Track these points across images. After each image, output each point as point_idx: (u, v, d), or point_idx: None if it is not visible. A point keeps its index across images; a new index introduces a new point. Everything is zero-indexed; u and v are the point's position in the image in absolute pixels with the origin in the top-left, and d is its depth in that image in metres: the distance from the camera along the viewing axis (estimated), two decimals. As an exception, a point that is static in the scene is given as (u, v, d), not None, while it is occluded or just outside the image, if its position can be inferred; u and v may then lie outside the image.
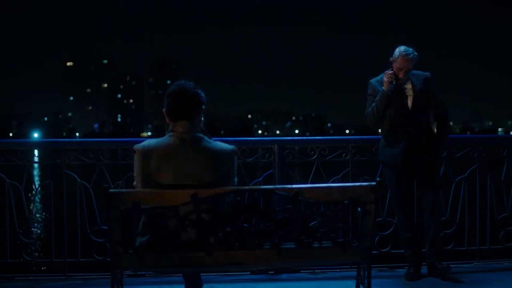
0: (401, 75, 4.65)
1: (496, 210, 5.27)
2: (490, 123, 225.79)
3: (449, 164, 5.15)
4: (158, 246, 3.09)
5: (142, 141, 3.33)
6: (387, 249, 5.15)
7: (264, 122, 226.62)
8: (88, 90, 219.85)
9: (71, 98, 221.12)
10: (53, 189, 5.05)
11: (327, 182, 4.84)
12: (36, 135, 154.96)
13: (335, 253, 3.19)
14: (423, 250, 4.83)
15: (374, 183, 3.17)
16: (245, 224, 3.11)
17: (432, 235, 4.73)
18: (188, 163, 3.19)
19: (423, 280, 4.69)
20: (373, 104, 4.73)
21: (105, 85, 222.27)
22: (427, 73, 4.78)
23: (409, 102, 4.69)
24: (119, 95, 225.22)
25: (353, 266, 4.60)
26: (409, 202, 4.84)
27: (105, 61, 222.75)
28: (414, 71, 4.74)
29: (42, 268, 5.51)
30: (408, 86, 4.71)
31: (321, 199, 3.14)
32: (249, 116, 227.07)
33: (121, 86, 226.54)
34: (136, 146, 3.27)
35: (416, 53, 4.66)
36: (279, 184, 4.86)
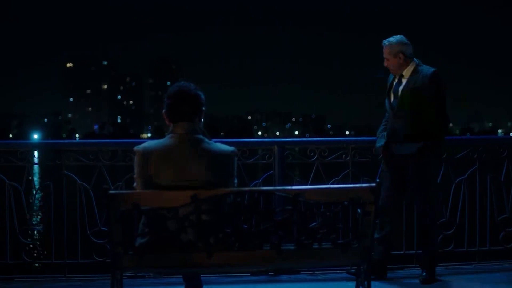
0: (385, 64, 4.72)
1: (496, 211, 5.27)
2: (490, 124, 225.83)
3: (449, 165, 5.15)
4: (158, 247, 3.09)
5: (142, 142, 3.33)
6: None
7: (264, 123, 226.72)
8: (88, 91, 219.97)
9: (71, 99, 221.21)
10: (53, 190, 5.05)
11: (327, 183, 4.84)
12: (36, 136, 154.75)
13: (335, 254, 3.19)
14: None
15: (374, 184, 3.17)
16: (245, 225, 3.11)
17: (426, 241, 4.69)
18: (188, 164, 3.19)
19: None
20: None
21: (105, 86, 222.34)
22: (432, 70, 4.64)
23: (397, 100, 4.66)
24: (119, 96, 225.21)
25: (353, 267, 4.60)
26: (391, 199, 4.72)
27: (105, 62, 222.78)
28: (420, 67, 4.66)
29: (42, 269, 5.51)
30: (404, 81, 4.66)
31: (321, 200, 3.14)
32: (249, 117, 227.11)
33: (121, 87, 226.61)
34: (136, 148, 3.27)
35: (389, 40, 4.69)
36: (279, 185, 4.86)
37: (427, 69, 4.63)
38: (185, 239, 3.08)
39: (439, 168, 4.97)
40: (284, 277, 4.88)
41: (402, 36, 4.71)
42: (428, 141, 4.54)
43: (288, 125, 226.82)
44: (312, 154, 5.09)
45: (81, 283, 4.81)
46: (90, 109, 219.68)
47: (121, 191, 3.35)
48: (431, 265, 4.66)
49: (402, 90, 4.65)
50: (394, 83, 4.75)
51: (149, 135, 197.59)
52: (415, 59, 4.70)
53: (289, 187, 3.22)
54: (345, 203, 3.13)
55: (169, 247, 3.08)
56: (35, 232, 5.73)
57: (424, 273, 4.65)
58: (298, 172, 6.61)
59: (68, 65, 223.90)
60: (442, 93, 4.64)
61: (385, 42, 4.72)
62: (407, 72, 4.67)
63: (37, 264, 5.38)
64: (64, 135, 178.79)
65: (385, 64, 4.73)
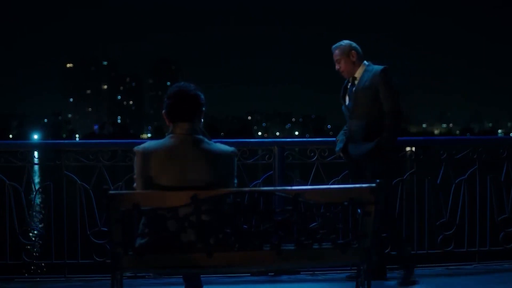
0: (336, 67, 4.73)
1: (496, 211, 5.27)
2: (490, 124, 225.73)
3: (449, 165, 5.16)
4: (158, 248, 3.09)
5: (142, 142, 3.34)
6: (387, 250, 5.15)
7: (264, 124, 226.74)
8: (88, 91, 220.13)
9: (71, 99, 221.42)
10: (53, 190, 5.05)
11: (327, 184, 4.84)
12: (36, 136, 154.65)
13: (335, 254, 3.19)
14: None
15: (374, 184, 3.17)
16: (245, 226, 3.11)
17: (395, 242, 4.76)
18: (188, 165, 3.19)
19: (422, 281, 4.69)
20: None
21: (105, 86, 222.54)
22: (382, 67, 4.63)
23: (351, 101, 4.69)
24: (119, 96, 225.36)
25: (353, 268, 4.60)
26: None
27: (105, 63, 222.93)
28: (370, 67, 4.69)
29: (42, 270, 5.51)
30: (355, 82, 4.70)
31: (321, 201, 3.14)
32: (249, 117, 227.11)
33: (121, 87, 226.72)
34: (136, 148, 3.27)
35: (339, 43, 4.75)
36: (279, 185, 4.87)
37: (377, 67, 4.65)
38: (185, 239, 3.08)
39: (397, 164, 4.96)
40: (284, 277, 4.88)
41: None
42: (383, 139, 4.52)
43: (288, 126, 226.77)
44: (312, 154, 5.10)
45: (81, 283, 4.81)
46: (90, 109, 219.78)
47: (121, 191, 3.34)
48: (407, 265, 4.67)
49: (355, 90, 4.67)
50: (348, 87, 4.78)
51: (149, 135, 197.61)
52: (365, 61, 4.73)
53: (289, 188, 3.22)
54: (345, 203, 3.13)
55: (169, 248, 3.08)
56: (35, 232, 5.73)
57: (402, 274, 4.68)
58: (298, 172, 6.60)
59: (68, 65, 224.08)
60: (394, 89, 4.59)
61: (335, 45, 4.77)
62: (358, 73, 4.70)
63: (37, 265, 5.38)
64: (64, 136, 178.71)
65: (337, 67, 4.73)
